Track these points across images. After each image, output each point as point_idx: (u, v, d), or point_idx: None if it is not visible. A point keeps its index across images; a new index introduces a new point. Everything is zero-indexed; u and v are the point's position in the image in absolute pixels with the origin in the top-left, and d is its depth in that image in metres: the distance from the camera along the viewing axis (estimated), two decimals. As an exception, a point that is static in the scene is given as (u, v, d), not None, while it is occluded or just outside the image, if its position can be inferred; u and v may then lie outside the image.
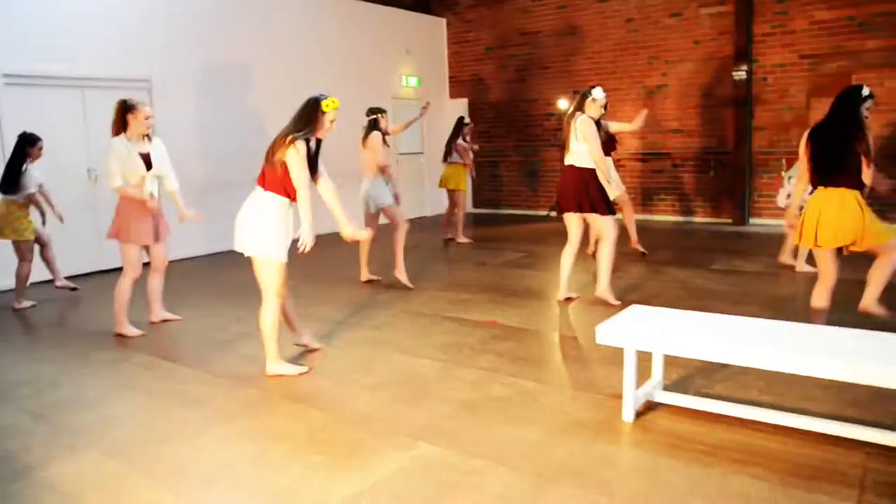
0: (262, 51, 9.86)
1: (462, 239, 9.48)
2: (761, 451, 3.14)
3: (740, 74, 10.03)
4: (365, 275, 6.97)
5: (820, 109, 4.76)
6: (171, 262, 7.47)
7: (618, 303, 5.74)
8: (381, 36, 11.93)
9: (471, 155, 9.46)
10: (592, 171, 5.61)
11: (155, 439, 3.46)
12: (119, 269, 7.79)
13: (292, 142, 3.97)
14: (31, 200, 6.31)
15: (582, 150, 5.58)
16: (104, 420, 3.73)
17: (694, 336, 3.35)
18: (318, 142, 4.20)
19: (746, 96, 10.09)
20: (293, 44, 10.32)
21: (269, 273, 4.18)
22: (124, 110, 5.16)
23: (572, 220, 5.74)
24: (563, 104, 5.49)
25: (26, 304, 6.48)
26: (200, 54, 9.07)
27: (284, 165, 4.00)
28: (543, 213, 12.27)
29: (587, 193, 5.57)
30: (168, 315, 5.72)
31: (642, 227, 10.49)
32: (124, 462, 3.23)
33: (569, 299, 5.99)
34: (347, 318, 5.54)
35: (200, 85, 9.10)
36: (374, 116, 6.68)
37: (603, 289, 5.77)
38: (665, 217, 11.19)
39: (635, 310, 3.85)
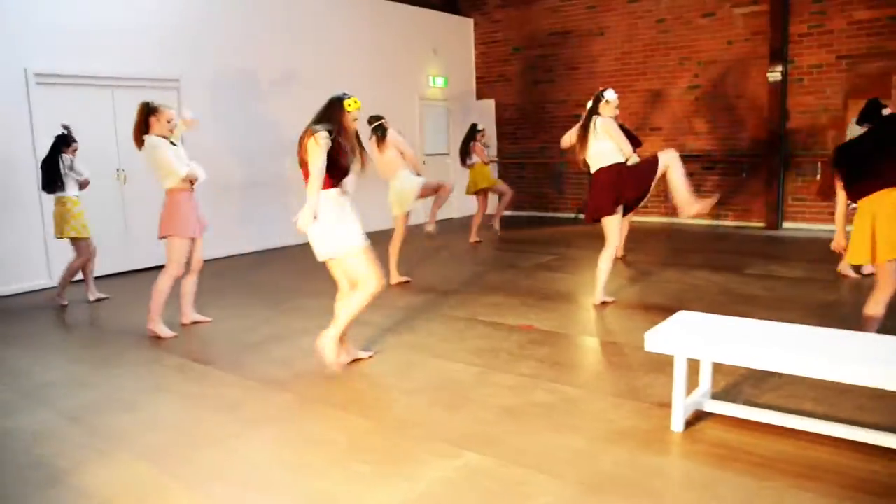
0: (291, 51, 9.83)
1: (475, 238, 9.55)
2: (821, 464, 3.01)
3: (775, 75, 9.84)
4: (395, 277, 6.90)
5: (857, 111, 4.61)
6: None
7: (612, 299, 5.89)
8: (409, 36, 11.87)
9: (486, 153, 9.69)
10: (623, 164, 5.54)
11: (189, 443, 3.39)
12: (149, 270, 7.80)
13: (312, 134, 4.00)
14: (85, 185, 6.44)
15: (606, 147, 5.55)
16: (138, 423, 3.67)
17: (745, 344, 3.23)
18: (359, 140, 4.23)
19: (781, 98, 9.90)
20: (322, 44, 10.28)
21: (357, 262, 4.14)
22: (147, 113, 5.18)
23: (612, 222, 5.63)
24: (610, 94, 5.46)
25: (64, 301, 6.55)
26: (229, 55, 9.05)
27: None
28: (570, 215, 12.15)
29: (626, 186, 5.50)
30: (198, 317, 5.67)
31: (670, 229, 10.37)
32: (159, 466, 3.16)
33: (604, 303, 5.88)
34: (380, 322, 5.46)
35: (229, 85, 9.07)
36: (382, 120, 6.65)
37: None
38: (695, 220, 11.01)
39: (683, 316, 3.73)
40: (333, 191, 4.12)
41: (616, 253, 7.51)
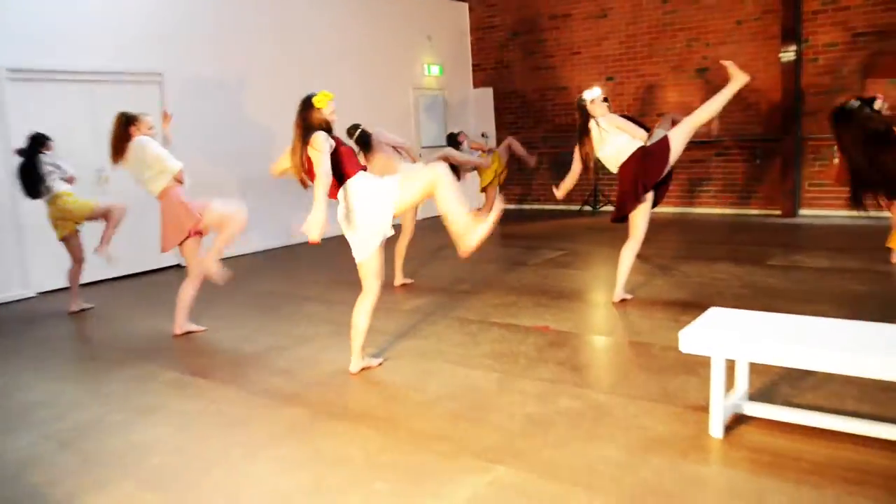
0: (279, 43, 9.73)
1: None
2: (873, 469, 2.93)
3: (788, 55, 9.79)
4: (399, 278, 6.82)
5: (875, 92, 4.59)
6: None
7: (630, 296, 5.88)
8: (402, 22, 11.78)
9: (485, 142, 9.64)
10: (642, 148, 5.49)
11: (195, 467, 3.29)
12: (132, 276, 7.70)
13: (307, 142, 4.10)
14: (70, 182, 6.37)
15: (621, 142, 5.53)
16: (136, 446, 3.57)
17: (788, 342, 3.14)
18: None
19: (795, 79, 9.85)
20: (311, 34, 10.17)
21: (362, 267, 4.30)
22: (126, 123, 5.18)
23: (639, 213, 5.57)
24: (594, 92, 5.42)
25: (83, 306, 6.61)
26: (215, 48, 8.94)
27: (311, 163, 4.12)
28: (575, 207, 12.09)
29: (650, 169, 5.44)
30: (192, 326, 5.57)
31: (684, 220, 10.32)
32: (163, 494, 3.06)
33: (623, 301, 5.81)
34: (387, 326, 5.36)
35: (214, 80, 8.96)
36: (360, 128, 6.47)
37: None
38: (708, 209, 10.96)
39: (715, 313, 3.65)
40: (340, 193, 4.17)
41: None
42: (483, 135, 12.59)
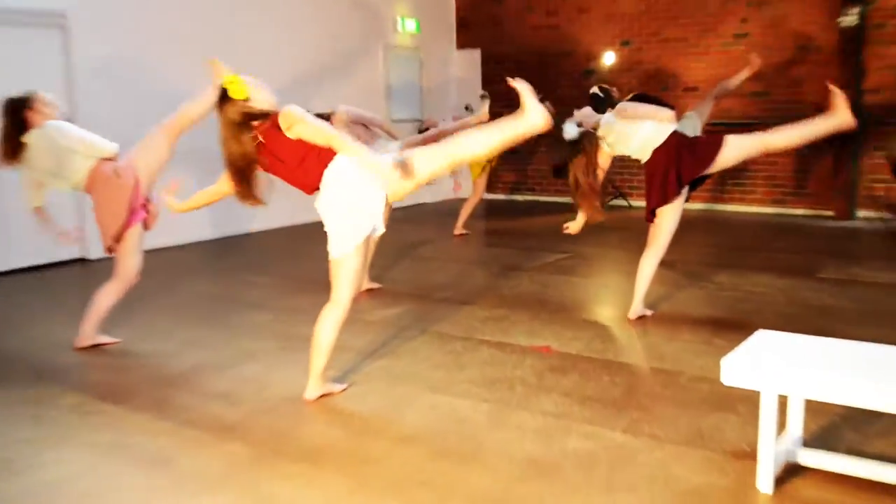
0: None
1: (461, 229, 9.75)
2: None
3: (849, 20, 9.89)
4: (364, 282, 6.77)
5: None
6: (94, 260, 7.30)
7: (650, 312, 5.91)
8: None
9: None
10: (678, 136, 5.55)
11: (109, 514, 3.22)
12: (15, 273, 7.57)
13: (273, 119, 4.12)
14: None
15: (646, 129, 5.58)
16: (30, 491, 3.47)
17: (855, 376, 3.14)
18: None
19: (856, 49, 9.95)
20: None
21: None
22: (16, 111, 5.09)
23: (668, 213, 5.61)
24: (571, 130, 5.50)
25: None
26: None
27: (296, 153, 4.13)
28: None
29: (685, 158, 5.49)
30: (103, 338, 5.49)
31: (713, 218, 10.38)
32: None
33: (642, 317, 5.83)
34: (351, 342, 5.31)
35: (139, 28, 8.88)
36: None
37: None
38: (744, 207, 11.04)
39: (765, 337, 3.65)
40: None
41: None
42: (467, 107, 12.55)
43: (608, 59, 11.77)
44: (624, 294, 6.24)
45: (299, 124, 4.04)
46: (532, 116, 4.02)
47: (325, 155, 4.11)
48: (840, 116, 5.22)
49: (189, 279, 7.57)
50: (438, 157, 4.10)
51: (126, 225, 5.18)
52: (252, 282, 7.40)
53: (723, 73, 10.79)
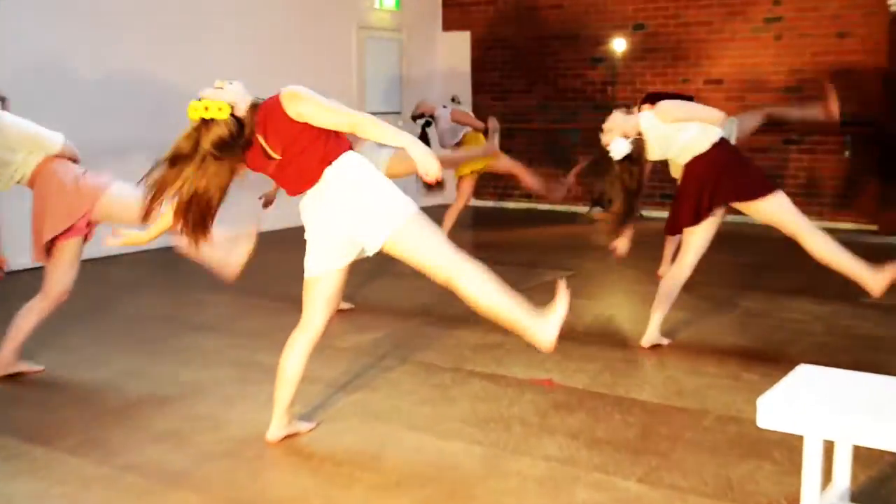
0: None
1: None
2: None
3: (899, 5, 10.00)
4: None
5: None
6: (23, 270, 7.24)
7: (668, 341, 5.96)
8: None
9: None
10: (727, 148, 5.59)
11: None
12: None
13: (268, 107, 4.01)
14: None
15: (691, 131, 5.57)
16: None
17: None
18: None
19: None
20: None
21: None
22: None
23: (696, 234, 5.67)
24: (621, 146, 5.50)
25: None
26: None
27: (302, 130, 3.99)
28: (582, 209, 12.14)
29: (725, 177, 5.52)
30: (24, 365, 5.48)
31: (741, 233, 10.40)
32: None
33: (657, 346, 5.85)
34: (321, 373, 5.30)
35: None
36: None
37: None
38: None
39: (808, 373, 3.64)
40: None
41: (663, 269, 7.56)
42: (453, 99, 12.57)
43: (619, 45, 11.81)
44: (636, 319, 6.26)
45: (309, 104, 3.92)
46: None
47: (330, 149, 4.03)
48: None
49: (130, 296, 7.53)
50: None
51: (63, 236, 5.19)
52: (204, 300, 7.38)
53: (749, 62, 10.92)
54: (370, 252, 4.12)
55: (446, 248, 4.10)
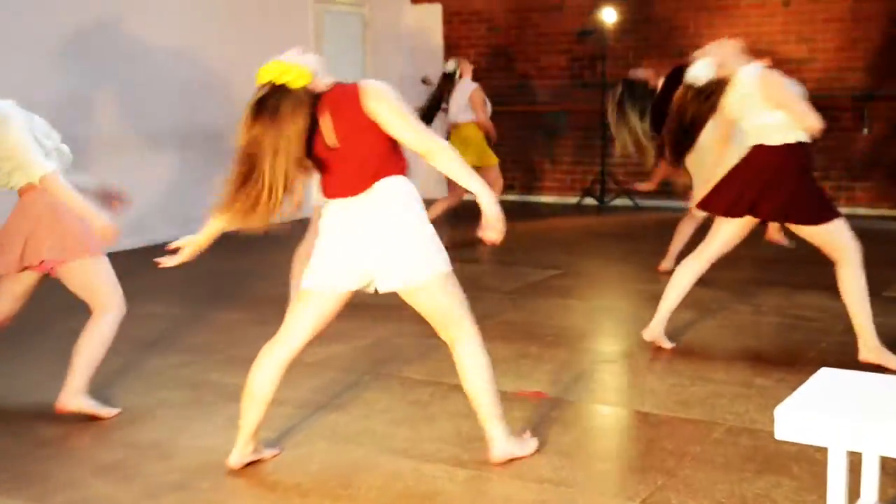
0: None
1: None
2: None
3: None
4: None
5: None
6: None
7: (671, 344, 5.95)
8: None
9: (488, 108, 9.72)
10: (794, 156, 5.50)
11: None
12: None
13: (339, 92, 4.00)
14: None
15: (774, 120, 5.48)
16: None
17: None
18: None
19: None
20: None
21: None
22: None
23: (728, 228, 5.66)
24: (705, 69, 5.36)
25: None
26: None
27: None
28: (571, 200, 12.18)
29: (778, 188, 5.48)
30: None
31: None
32: None
33: (658, 348, 5.90)
34: (288, 393, 5.23)
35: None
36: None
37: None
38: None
39: (830, 377, 3.66)
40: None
41: (666, 264, 7.59)
42: (424, 80, 12.59)
43: (608, 15, 11.80)
44: (633, 321, 6.29)
45: (392, 108, 3.91)
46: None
47: (390, 163, 4.02)
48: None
49: (65, 313, 7.46)
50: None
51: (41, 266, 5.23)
52: (151, 313, 7.33)
53: (755, 35, 10.95)
54: (379, 290, 4.16)
55: (461, 315, 4.22)
